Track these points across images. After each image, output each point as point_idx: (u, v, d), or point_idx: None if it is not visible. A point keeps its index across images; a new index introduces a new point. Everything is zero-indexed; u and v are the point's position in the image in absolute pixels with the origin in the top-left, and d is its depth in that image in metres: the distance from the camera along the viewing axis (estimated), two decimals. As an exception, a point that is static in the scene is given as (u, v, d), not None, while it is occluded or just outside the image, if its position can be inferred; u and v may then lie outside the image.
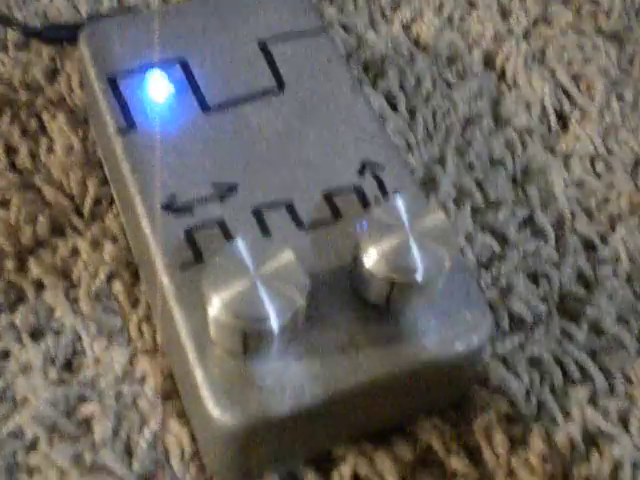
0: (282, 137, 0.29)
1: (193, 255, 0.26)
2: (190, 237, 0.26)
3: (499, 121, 0.38)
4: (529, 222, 0.34)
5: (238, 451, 0.25)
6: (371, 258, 0.24)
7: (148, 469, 0.27)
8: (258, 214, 0.27)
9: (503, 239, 0.34)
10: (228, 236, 0.27)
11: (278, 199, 0.28)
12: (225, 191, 0.28)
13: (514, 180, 0.36)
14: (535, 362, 0.30)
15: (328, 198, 0.28)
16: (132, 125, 0.29)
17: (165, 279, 0.26)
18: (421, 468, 0.28)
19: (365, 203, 0.28)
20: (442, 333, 0.26)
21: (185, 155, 0.28)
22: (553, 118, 0.38)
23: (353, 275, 0.26)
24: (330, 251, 0.27)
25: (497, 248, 0.33)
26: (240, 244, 0.24)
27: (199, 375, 0.24)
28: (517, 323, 0.32)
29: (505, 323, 0.31)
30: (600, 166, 0.37)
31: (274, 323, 0.23)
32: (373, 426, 0.28)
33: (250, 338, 0.23)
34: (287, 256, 0.24)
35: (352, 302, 0.26)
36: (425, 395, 0.27)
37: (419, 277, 0.24)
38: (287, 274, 0.24)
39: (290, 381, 0.24)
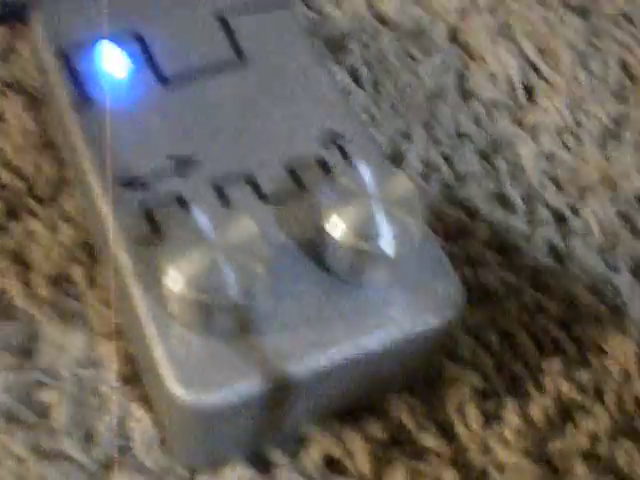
0: (243, 110, 0.28)
1: (151, 230, 0.25)
2: (147, 212, 0.25)
3: (465, 95, 0.37)
4: (498, 195, 0.34)
5: (201, 432, 0.24)
6: (335, 226, 0.23)
7: (109, 456, 0.26)
8: (219, 188, 0.26)
9: (472, 213, 0.33)
10: (187, 210, 0.26)
11: (239, 172, 0.27)
12: (184, 165, 0.27)
13: (482, 154, 0.35)
14: (507, 335, 0.30)
15: (291, 170, 0.27)
16: (86, 100, 0.28)
17: (122, 255, 0.25)
18: (393, 447, 0.27)
19: (329, 174, 0.27)
20: (413, 306, 0.25)
21: (142, 130, 0.27)
22: (520, 91, 0.37)
23: (318, 246, 0.25)
24: (294, 223, 0.26)
25: (466, 221, 0.32)
26: (198, 215, 0.23)
27: (158, 352, 0.23)
28: (488, 296, 0.31)
29: (476, 296, 0.30)
30: (569, 138, 0.36)
31: (235, 296, 0.22)
32: (342, 405, 0.27)
33: (210, 312, 0.22)
34: (248, 227, 0.23)
35: (318, 276, 0.25)
36: (395, 371, 0.27)
37: (385, 245, 0.23)
38: (248, 245, 0.23)
39: (254, 358, 0.23)
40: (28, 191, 0.31)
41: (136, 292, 0.24)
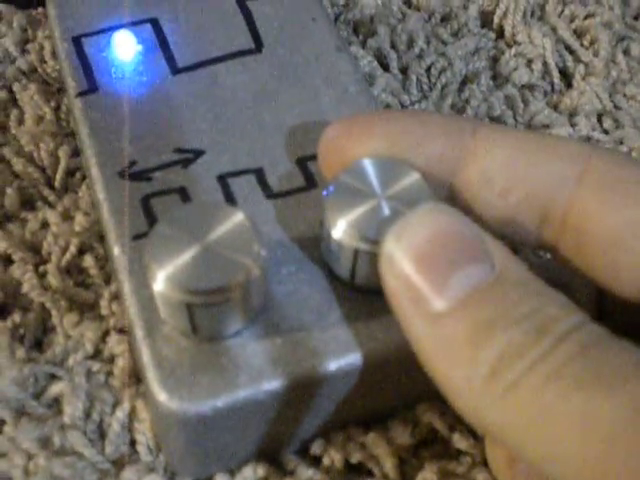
0: (256, 100, 0.27)
1: (148, 224, 0.24)
2: (147, 205, 0.24)
3: (498, 79, 0.35)
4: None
5: (190, 440, 0.22)
6: (338, 227, 0.21)
7: (121, 453, 0.25)
8: (223, 181, 0.25)
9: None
10: (187, 204, 0.24)
11: (247, 166, 0.25)
12: (189, 157, 0.25)
13: (515, 139, 0.33)
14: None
15: (302, 165, 0.26)
16: (94, 87, 0.27)
17: (116, 249, 0.24)
18: (422, 449, 0.26)
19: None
20: None
21: (149, 119, 0.26)
22: (556, 74, 0.36)
23: (322, 246, 0.23)
24: (300, 221, 0.24)
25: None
26: (188, 209, 0.21)
27: (146, 355, 0.22)
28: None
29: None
30: (608, 122, 0.34)
31: (223, 296, 0.20)
32: (353, 414, 0.25)
33: (198, 314, 0.21)
34: (239, 221, 0.21)
35: (319, 277, 0.23)
36: (405, 379, 0.24)
37: None
38: (239, 241, 0.21)
39: (246, 364, 0.22)
40: (44, 181, 0.31)
41: (128, 290, 0.23)
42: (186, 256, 0.20)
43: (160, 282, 0.20)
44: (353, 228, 0.21)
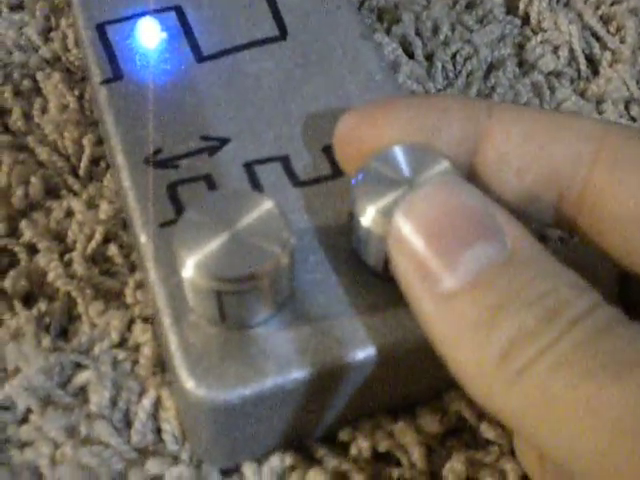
0: (281, 88, 0.27)
1: (175, 212, 0.24)
2: (173, 192, 0.24)
3: (524, 66, 0.35)
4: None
5: (217, 428, 0.22)
6: (368, 215, 0.21)
7: (147, 442, 0.25)
8: (249, 169, 0.25)
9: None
10: (214, 191, 0.24)
11: (273, 154, 0.25)
12: (215, 145, 0.25)
13: (542, 126, 0.33)
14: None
15: (329, 153, 0.25)
16: (118, 75, 0.27)
17: (143, 237, 0.23)
18: (450, 438, 0.25)
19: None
20: None
21: (174, 107, 0.26)
22: (582, 61, 0.35)
23: (351, 235, 0.23)
24: (328, 210, 0.24)
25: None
26: (216, 197, 0.21)
27: (173, 343, 0.22)
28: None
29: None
30: (635, 109, 0.34)
31: (252, 284, 0.20)
32: (381, 403, 0.25)
33: (226, 302, 0.21)
34: (268, 208, 0.21)
35: (348, 266, 0.23)
36: (433, 367, 0.24)
37: None
38: (268, 228, 0.21)
39: (273, 352, 0.21)
40: (69, 169, 0.31)
41: (155, 278, 0.23)
42: (215, 243, 0.20)
43: (189, 269, 0.20)
44: (383, 216, 0.21)
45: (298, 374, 0.21)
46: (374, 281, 0.23)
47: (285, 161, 0.25)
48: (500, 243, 0.19)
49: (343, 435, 0.24)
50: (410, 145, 0.22)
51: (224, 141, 0.25)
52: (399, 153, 0.22)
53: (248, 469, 0.24)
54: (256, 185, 0.24)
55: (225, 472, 0.24)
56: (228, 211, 0.21)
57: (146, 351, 0.26)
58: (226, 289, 0.20)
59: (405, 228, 0.19)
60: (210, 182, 0.24)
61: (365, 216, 0.21)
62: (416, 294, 0.19)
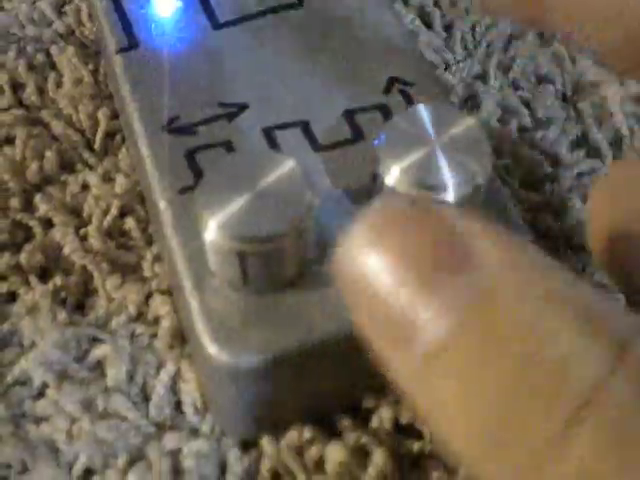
0: (300, 54, 0.26)
1: (194, 178, 0.23)
2: (191, 158, 0.24)
3: (545, 36, 0.34)
4: (583, 141, 0.31)
5: (240, 396, 0.22)
6: (391, 174, 0.21)
7: (166, 416, 0.24)
8: (269, 134, 0.24)
9: (554, 159, 0.30)
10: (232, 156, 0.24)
11: (293, 119, 0.25)
12: (234, 111, 0.25)
13: (564, 97, 0.32)
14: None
15: (349, 117, 0.25)
16: (134, 43, 0.26)
17: (162, 203, 0.23)
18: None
19: (389, 120, 0.25)
20: None
21: (191, 74, 0.26)
22: (605, 31, 0.35)
23: (372, 197, 0.23)
24: (349, 173, 0.24)
25: (548, 169, 0.30)
26: (237, 158, 0.21)
27: (195, 309, 0.21)
28: (575, 249, 0.28)
29: (560, 247, 0.28)
30: (659, 82, 0.33)
31: (275, 244, 0.20)
32: None
33: (249, 264, 0.20)
34: (290, 170, 0.20)
35: None
36: None
37: (448, 195, 0.20)
38: (290, 189, 0.20)
39: (296, 316, 0.21)
40: (84, 143, 0.30)
41: (175, 243, 0.22)
42: (237, 204, 0.20)
43: (212, 231, 0.20)
44: (407, 174, 0.20)
45: (321, 337, 0.21)
46: None
47: (305, 126, 0.24)
48: (475, 276, 0.15)
49: (367, 402, 0.24)
50: (434, 104, 0.21)
51: (242, 107, 0.25)
52: (423, 111, 0.21)
53: (267, 443, 0.24)
54: (276, 150, 0.24)
55: (244, 446, 0.24)
56: (249, 172, 0.20)
57: (165, 323, 0.25)
58: (249, 250, 0.20)
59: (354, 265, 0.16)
60: (229, 148, 0.24)
61: (389, 175, 0.21)
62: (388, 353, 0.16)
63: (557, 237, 0.28)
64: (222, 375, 0.21)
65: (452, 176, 0.20)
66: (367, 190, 0.23)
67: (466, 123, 0.21)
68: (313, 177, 0.22)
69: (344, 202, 0.23)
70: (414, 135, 0.21)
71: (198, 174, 0.23)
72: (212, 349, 0.21)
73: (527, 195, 0.29)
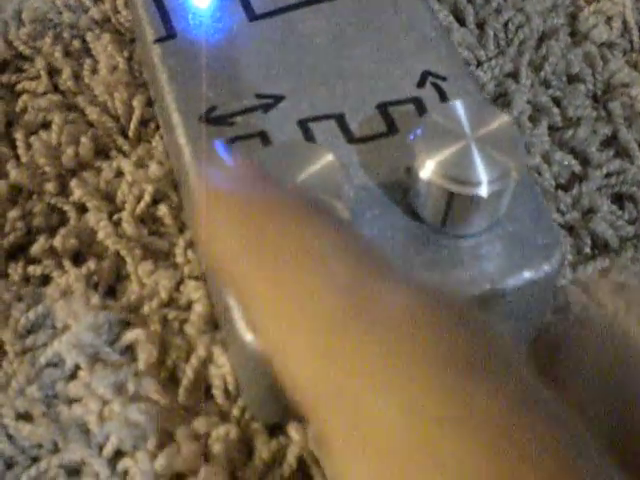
0: (335, 46, 0.27)
1: None
2: (227, 149, 0.24)
3: (577, 36, 0.35)
4: (612, 140, 0.31)
5: (273, 383, 0.22)
6: (427, 168, 0.21)
7: (195, 400, 0.25)
8: (304, 126, 0.25)
9: (584, 159, 0.31)
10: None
11: (328, 111, 0.25)
12: (270, 103, 0.25)
13: (595, 97, 0.33)
14: (621, 289, 0.28)
15: (383, 110, 0.25)
16: (172, 34, 0.27)
17: (198, 192, 0.23)
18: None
19: (423, 115, 0.25)
20: (508, 259, 0.22)
21: (228, 65, 0.26)
22: (635, 32, 0.35)
23: (407, 190, 0.23)
24: (383, 166, 0.24)
25: (577, 168, 0.30)
26: (274, 151, 0.21)
27: (230, 297, 0.22)
28: (601, 248, 0.29)
29: (588, 248, 0.28)
30: (689, 81, 0.33)
31: None
32: None
33: None
34: (327, 162, 0.21)
35: (405, 222, 0.23)
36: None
37: (480, 190, 0.21)
38: (327, 181, 0.21)
39: None
40: (118, 130, 0.31)
41: None
42: None
43: None
44: (442, 169, 0.21)
45: None
46: (431, 236, 0.23)
47: (340, 118, 0.25)
48: None
49: None
50: (469, 100, 0.22)
51: (278, 99, 0.25)
52: (458, 107, 0.22)
53: (293, 430, 0.24)
54: (310, 141, 0.24)
55: (271, 432, 0.24)
56: (288, 165, 0.21)
57: (198, 308, 0.26)
58: None
59: None
60: (265, 139, 0.24)
61: (425, 169, 0.21)
62: None
63: (584, 236, 0.29)
64: (255, 362, 0.21)
65: (486, 172, 0.21)
66: (400, 184, 0.23)
67: (501, 120, 0.22)
68: (350, 171, 0.22)
69: (378, 195, 0.23)
70: (449, 130, 0.21)
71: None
72: (247, 337, 0.21)
73: (556, 194, 0.29)
